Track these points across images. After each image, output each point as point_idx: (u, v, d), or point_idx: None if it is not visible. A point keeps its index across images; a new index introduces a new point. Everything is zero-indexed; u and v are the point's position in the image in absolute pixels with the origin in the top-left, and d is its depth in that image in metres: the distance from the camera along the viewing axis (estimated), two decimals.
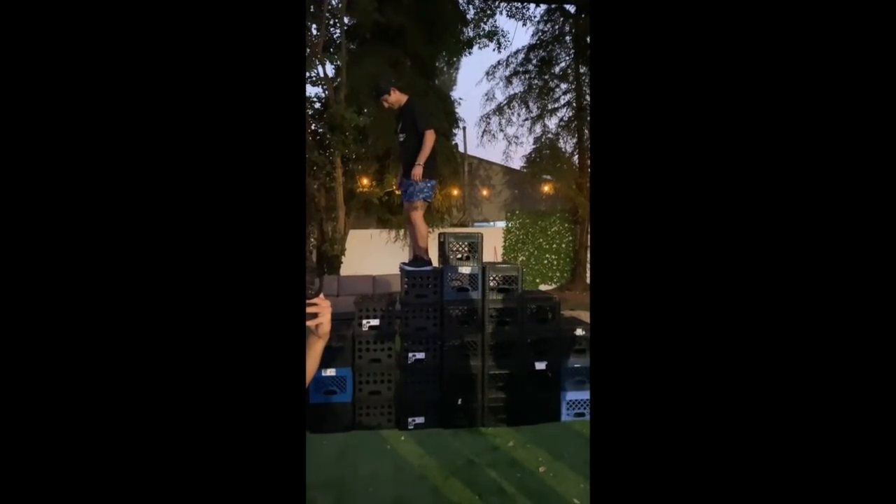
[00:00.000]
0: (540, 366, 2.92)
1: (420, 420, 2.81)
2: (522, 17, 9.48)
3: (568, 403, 2.93)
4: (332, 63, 8.35)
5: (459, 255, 2.96)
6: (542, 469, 2.31)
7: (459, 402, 2.83)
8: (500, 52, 9.73)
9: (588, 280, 8.88)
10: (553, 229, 9.21)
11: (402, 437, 2.70)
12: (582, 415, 2.93)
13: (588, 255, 8.95)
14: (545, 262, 9.18)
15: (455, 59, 10.36)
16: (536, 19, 9.31)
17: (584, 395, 2.93)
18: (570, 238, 9.18)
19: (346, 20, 8.25)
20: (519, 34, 51.43)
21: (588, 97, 8.97)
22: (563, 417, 2.92)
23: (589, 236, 8.92)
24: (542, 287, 8.93)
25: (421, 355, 2.85)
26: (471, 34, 9.42)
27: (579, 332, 2.99)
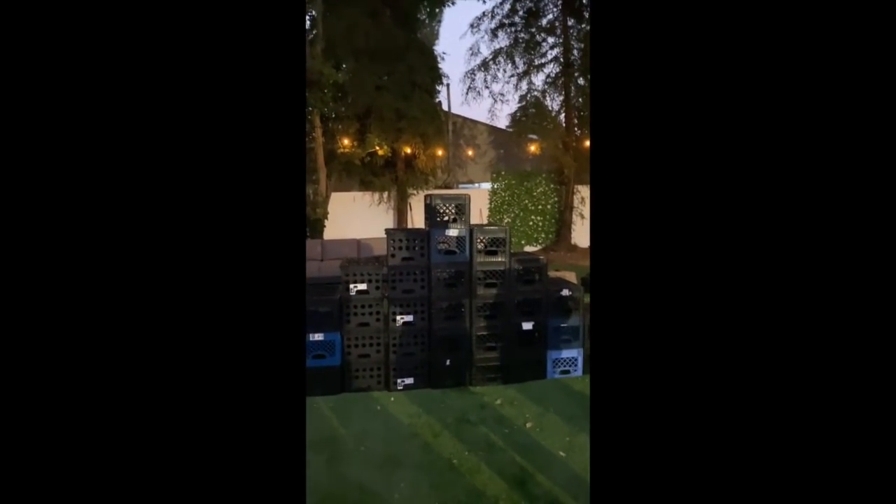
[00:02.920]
0: (527, 326, 2.96)
1: (409, 381, 2.85)
2: None
3: (554, 362, 3.00)
4: (306, 13, 7.83)
5: (447, 218, 2.91)
6: (528, 425, 2.39)
7: (448, 362, 2.88)
8: (484, 2, 9.23)
9: (572, 241, 8.96)
10: (539, 190, 9.16)
11: (392, 398, 2.74)
12: (567, 372, 3.01)
13: (572, 216, 8.98)
14: (530, 223, 9.19)
15: (437, 10, 9.83)
16: None
17: (570, 353, 3.00)
18: (556, 199, 9.17)
19: None
20: None
21: (575, 52, 8.68)
22: (550, 375, 3.00)
23: (573, 196, 8.92)
24: (528, 248, 8.99)
25: (409, 318, 2.86)
26: None
27: (565, 292, 3.02)
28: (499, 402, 2.66)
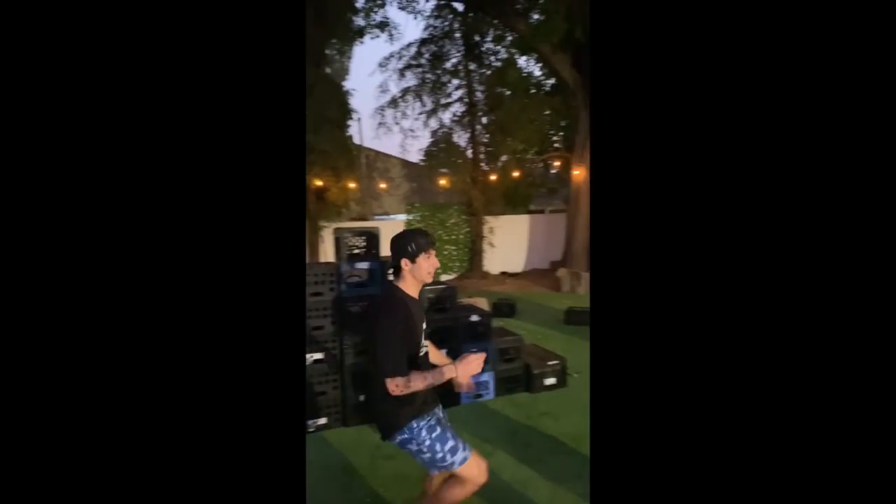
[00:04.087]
0: None
1: (322, 421, 2.73)
2: (413, 9, 9.52)
3: None
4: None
5: (356, 250, 2.92)
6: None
7: (361, 398, 2.82)
8: (391, 43, 9.66)
9: (484, 268, 9.37)
10: (451, 221, 9.51)
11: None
12: (480, 396, 3.11)
13: (483, 245, 9.43)
14: (445, 252, 9.46)
15: (347, 47, 10.03)
16: (427, 14, 9.42)
17: (481, 377, 3.11)
18: (468, 229, 9.58)
19: None
20: (410, 27, 51.71)
21: (478, 93, 9.38)
22: (464, 400, 3.07)
23: (483, 227, 9.40)
24: (444, 277, 9.20)
25: (319, 356, 2.77)
26: (361, 23, 9.20)
27: (474, 318, 3.16)
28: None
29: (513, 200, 10.42)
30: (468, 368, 1.46)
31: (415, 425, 1.48)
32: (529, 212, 10.89)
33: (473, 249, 9.49)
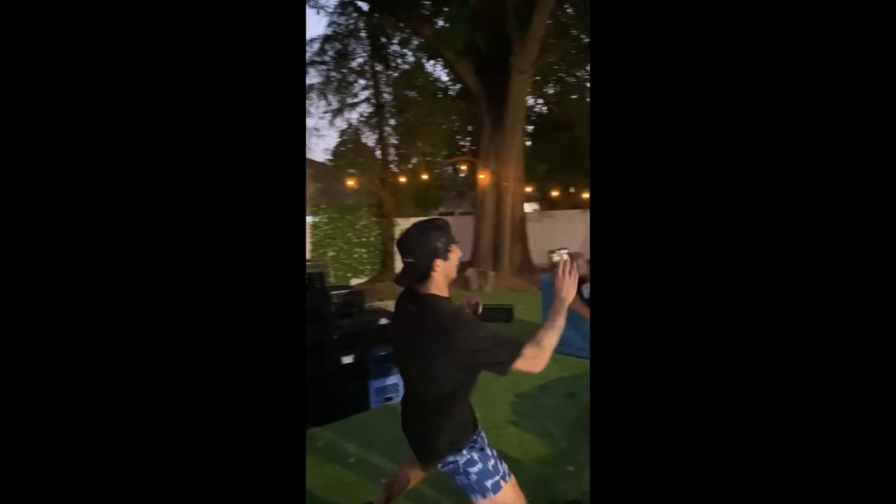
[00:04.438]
0: (347, 359, 2.95)
1: None
2: (316, 3, 9.17)
3: (376, 391, 3.05)
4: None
5: None
6: (352, 460, 2.36)
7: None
8: None
9: (396, 270, 9.33)
10: (361, 223, 9.32)
11: None
12: (391, 398, 3.09)
13: (394, 247, 9.39)
14: (355, 255, 9.24)
15: None
16: (330, 10, 9.13)
17: (391, 380, 3.10)
18: (378, 232, 9.46)
19: None
20: (313, 23, 49.58)
21: (386, 95, 9.33)
22: (373, 405, 3.03)
23: (394, 229, 9.37)
24: (354, 281, 8.97)
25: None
26: None
27: (383, 321, 3.13)
28: (321, 444, 2.55)
29: (423, 203, 10.54)
30: (569, 286, 1.19)
31: (465, 452, 1.26)
32: (440, 214, 11.11)
33: (385, 252, 9.40)
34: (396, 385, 3.13)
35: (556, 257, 1.24)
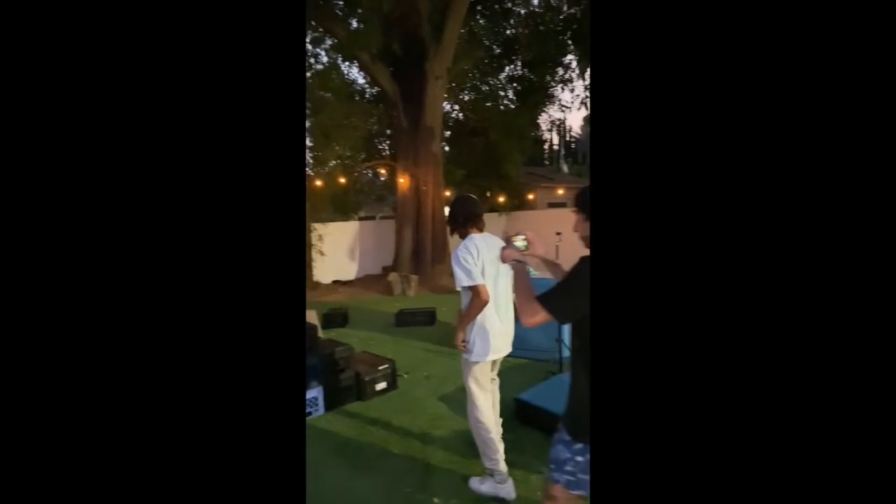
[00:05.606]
0: None
1: None
2: None
3: None
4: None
5: None
6: None
7: None
8: None
9: (315, 278, 8.94)
10: None
11: None
12: (309, 414, 2.94)
13: (312, 254, 8.99)
14: None
15: None
16: None
17: (311, 393, 2.95)
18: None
19: None
20: None
21: None
22: None
23: (312, 234, 8.97)
24: None
25: None
26: None
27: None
28: None
29: (342, 206, 10.24)
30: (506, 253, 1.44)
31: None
32: (361, 218, 10.87)
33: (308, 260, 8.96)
34: (316, 399, 2.99)
35: (518, 242, 1.40)
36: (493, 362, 2.09)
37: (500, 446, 2.03)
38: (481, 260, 1.89)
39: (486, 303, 1.88)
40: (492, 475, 2.03)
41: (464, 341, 1.97)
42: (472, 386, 2.00)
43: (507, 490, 2.00)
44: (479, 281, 1.87)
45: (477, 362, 1.97)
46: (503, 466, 2.01)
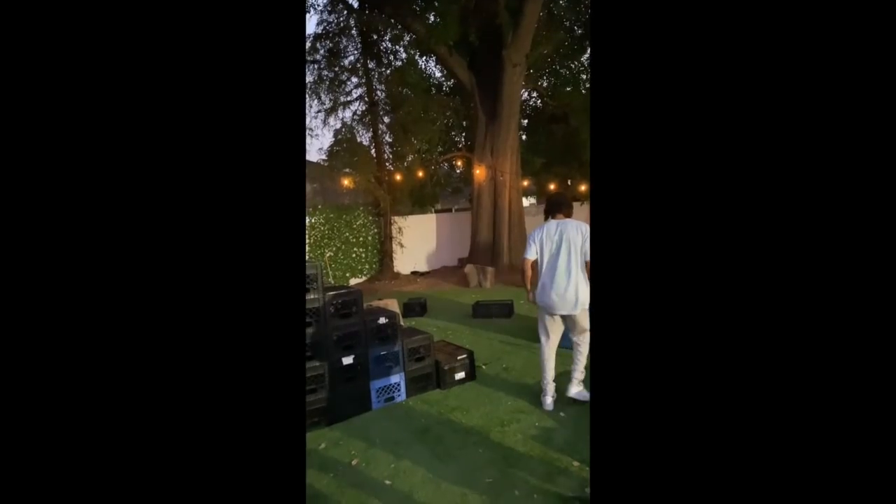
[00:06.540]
0: (347, 360, 2.93)
1: None
2: (307, 2, 9.07)
3: (378, 391, 3.03)
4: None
5: None
6: (354, 462, 2.34)
7: None
8: None
9: (395, 269, 9.31)
10: (358, 223, 9.28)
11: None
12: (392, 398, 3.08)
13: (392, 245, 9.36)
14: (353, 255, 9.21)
15: None
16: (319, 7, 9.05)
17: (392, 379, 3.08)
18: (376, 230, 9.43)
19: None
20: (305, 21, 49.19)
21: (378, 92, 9.26)
22: (374, 405, 3.01)
23: (392, 227, 9.33)
24: (353, 280, 8.95)
25: None
26: None
27: (382, 320, 3.11)
28: (322, 446, 2.54)
29: (420, 200, 10.49)
30: None
31: None
32: (437, 211, 11.06)
33: (383, 251, 9.37)
34: (398, 384, 3.12)
35: None
36: (562, 317, 2.72)
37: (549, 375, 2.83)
38: (539, 240, 2.65)
39: (523, 270, 2.78)
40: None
41: (530, 292, 2.84)
42: (539, 328, 2.83)
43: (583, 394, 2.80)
44: (527, 255, 2.72)
45: (539, 306, 2.74)
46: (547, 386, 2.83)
